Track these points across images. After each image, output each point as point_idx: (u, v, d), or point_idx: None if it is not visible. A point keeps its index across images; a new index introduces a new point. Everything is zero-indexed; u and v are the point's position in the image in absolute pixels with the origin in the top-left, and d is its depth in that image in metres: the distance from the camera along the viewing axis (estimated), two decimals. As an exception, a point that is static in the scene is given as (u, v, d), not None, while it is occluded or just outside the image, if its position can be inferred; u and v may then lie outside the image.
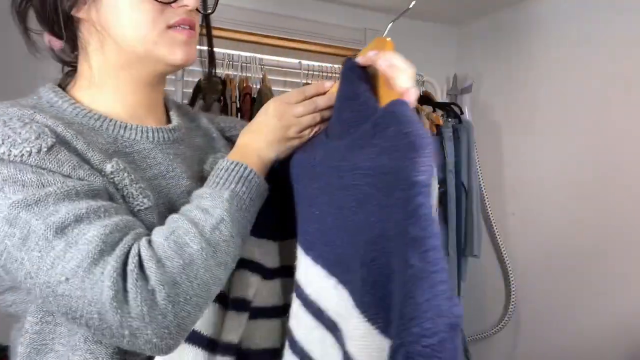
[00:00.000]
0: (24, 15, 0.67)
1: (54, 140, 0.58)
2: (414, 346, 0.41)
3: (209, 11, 0.72)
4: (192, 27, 0.67)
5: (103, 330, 0.53)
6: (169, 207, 0.66)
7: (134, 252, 0.54)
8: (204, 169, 0.74)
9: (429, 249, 0.44)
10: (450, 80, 2.26)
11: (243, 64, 1.68)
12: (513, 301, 2.02)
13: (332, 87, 0.71)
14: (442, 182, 1.85)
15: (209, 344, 0.65)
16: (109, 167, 0.62)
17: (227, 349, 0.66)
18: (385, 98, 0.55)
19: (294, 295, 0.65)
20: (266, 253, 0.72)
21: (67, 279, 0.52)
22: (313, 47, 2.08)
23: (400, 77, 0.57)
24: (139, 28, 0.64)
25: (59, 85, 0.70)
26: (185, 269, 0.54)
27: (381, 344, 0.46)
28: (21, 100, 0.65)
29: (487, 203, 2.08)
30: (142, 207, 0.63)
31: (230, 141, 0.80)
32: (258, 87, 1.68)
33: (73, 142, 0.61)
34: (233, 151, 0.69)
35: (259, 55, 1.71)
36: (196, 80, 1.64)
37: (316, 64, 1.81)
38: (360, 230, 0.51)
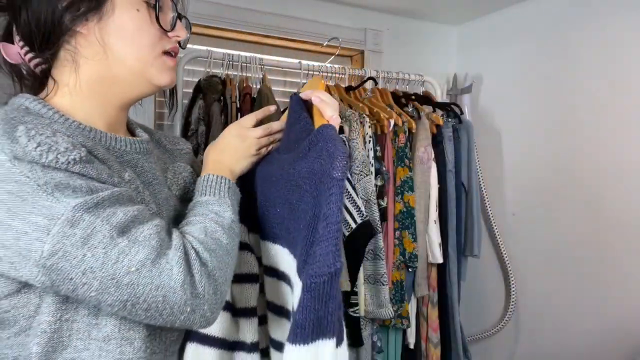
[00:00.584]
0: None
1: (85, 149, 0.64)
2: (307, 281, 0.60)
3: (184, 47, 0.81)
4: (176, 55, 0.77)
5: (162, 311, 0.63)
6: (156, 210, 0.74)
7: (189, 245, 0.66)
8: (167, 176, 0.84)
9: (330, 223, 0.62)
10: (450, 80, 2.26)
11: (243, 64, 1.68)
12: (513, 301, 2.02)
13: (276, 111, 0.92)
14: (442, 182, 1.85)
15: (222, 343, 0.82)
16: (127, 176, 0.71)
17: (243, 346, 0.83)
18: (318, 123, 0.75)
19: (269, 279, 0.85)
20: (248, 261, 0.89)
21: (136, 270, 0.60)
22: (313, 47, 2.08)
23: (326, 109, 0.77)
24: (140, 49, 0.72)
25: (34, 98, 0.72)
26: (224, 257, 0.69)
27: None
28: (7, 107, 0.67)
29: (487, 203, 2.08)
30: (151, 212, 0.71)
31: (171, 153, 0.91)
32: (258, 87, 1.68)
33: (94, 152, 0.68)
34: (209, 166, 0.83)
35: (259, 55, 1.71)
36: (196, 80, 1.64)
37: (316, 64, 1.81)
38: (301, 217, 0.71)
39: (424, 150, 1.77)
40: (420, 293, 1.80)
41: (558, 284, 1.88)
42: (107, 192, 0.62)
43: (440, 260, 1.81)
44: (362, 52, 2.17)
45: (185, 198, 0.84)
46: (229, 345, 0.82)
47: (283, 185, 0.78)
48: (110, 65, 0.72)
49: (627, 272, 1.67)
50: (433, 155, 1.81)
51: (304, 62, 1.79)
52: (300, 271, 0.67)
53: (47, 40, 0.69)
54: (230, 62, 1.64)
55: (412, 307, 1.82)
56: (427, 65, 2.24)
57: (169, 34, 0.74)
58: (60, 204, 0.58)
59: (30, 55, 0.71)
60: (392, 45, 2.21)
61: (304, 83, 1.78)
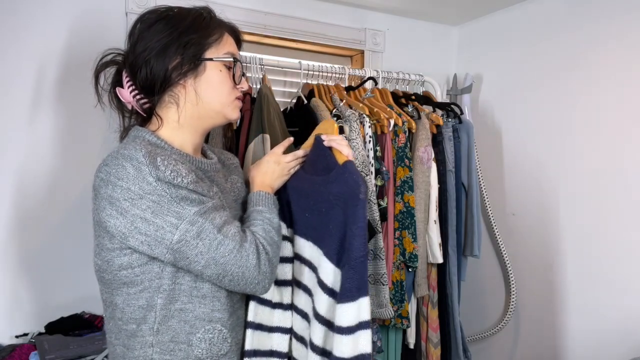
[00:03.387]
0: (98, 77, 1.06)
1: (194, 174, 0.98)
2: (351, 262, 0.95)
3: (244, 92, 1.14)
4: (242, 101, 1.11)
5: (239, 281, 0.98)
6: (229, 209, 1.07)
7: (257, 241, 1.01)
8: (227, 186, 1.15)
9: (359, 225, 0.96)
10: (450, 80, 2.26)
11: (243, 64, 1.68)
12: (513, 301, 2.02)
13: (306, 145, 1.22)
14: (442, 182, 1.85)
15: (258, 326, 1.15)
16: (214, 189, 1.05)
17: (282, 306, 1.17)
18: (341, 159, 1.07)
19: (297, 262, 1.17)
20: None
21: (228, 254, 0.96)
22: (313, 47, 2.08)
23: (344, 149, 1.08)
24: (222, 96, 1.06)
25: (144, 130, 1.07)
26: (276, 249, 1.05)
27: (334, 270, 1.01)
28: (139, 140, 1.00)
29: (487, 203, 2.08)
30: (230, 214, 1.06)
31: (227, 168, 1.22)
32: (258, 87, 1.68)
33: (196, 173, 1.01)
34: (257, 185, 1.16)
35: (259, 55, 1.71)
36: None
37: (316, 64, 1.81)
38: (330, 221, 1.03)
39: (424, 150, 1.76)
40: (420, 293, 1.80)
41: (558, 284, 1.89)
42: (210, 203, 0.97)
43: (441, 260, 1.80)
44: (362, 52, 2.17)
45: (240, 202, 1.17)
46: (273, 304, 1.16)
47: (315, 198, 1.09)
48: (201, 106, 1.05)
49: (627, 272, 1.67)
50: (433, 155, 1.81)
51: (304, 62, 1.79)
52: (333, 256, 1.01)
53: (159, 89, 1.02)
54: (230, 62, 1.64)
55: (412, 307, 1.82)
56: (427, 65, 2.24)
57: (237, 86, 1.08)
58: (184, 210, 0.93)
59: (139, 97, 1.04)
60: (392, 45, 2.21)
61: (304, 83, 1.78)
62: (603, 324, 1.74)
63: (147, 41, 1.01)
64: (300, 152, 1.22)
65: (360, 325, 0.94)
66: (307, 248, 1.12)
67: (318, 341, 1.02)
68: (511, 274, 2.03)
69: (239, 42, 1.14)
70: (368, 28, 2.15)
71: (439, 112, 1.97)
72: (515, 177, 2.07)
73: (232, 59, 1.07)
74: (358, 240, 0.96)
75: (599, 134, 1.75)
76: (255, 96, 1.65)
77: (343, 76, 1.83)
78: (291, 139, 1.27)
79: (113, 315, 1.01)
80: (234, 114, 1.09)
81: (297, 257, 1.17)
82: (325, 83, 1.81)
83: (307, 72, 1.77)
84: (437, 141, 1.86)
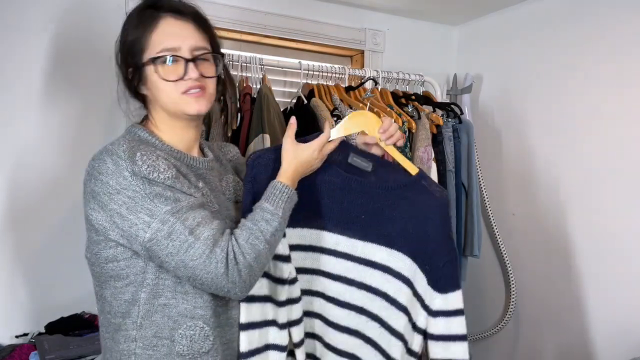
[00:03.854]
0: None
1: (175, 170, 0.97)
2: (452, 259, 1.12)
3: (214, 75, 1.06)
4: (201, 88, 1.02)
5: (210, 285, 0.95)
6: (218, 209, 1.05)
7: (230, 248, 0.95)
8: (222, 185, 1.14)
9: (450, 227, 1.16)
10: (450, 80, 2.26)
11: (243, 64, 1.68)
12: (513, 301, 2.02)
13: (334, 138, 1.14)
14: (442, 182, 1.85)
15: (265, 299, 1.12)
16: (200, 185, 1.03)
17: (280, 303, 1.13)
18: (406, 165, 1.16)
19: (351, 263, 1.17)
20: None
21: (197, 258, 0.92)
22: (313, 47, 2.08)
23: (407, 163, 1.16)
24: (168, 95, 1.02)
25: (140, 124, 1.08)
26: (255, 259, 0.97)
27: (422, 275, 1.13)
28: (129, 136, 1.02)
29: (487, 203, 2.08)
30: (213, 210, 1.03)
31: (224, 166, 1.20)
32: (258, 87, 1.68)
33: (180, 169, 1.00)
34: (285, 172, 1.08)
35: (259, 55, 1.71)
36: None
37: (316, 64, 1.81)
38: (409, 228, 1.13)
39: (424, 150, 1.76)
40: (421, 293, 1.80)
41: (558, 284, 1.88)
42: (185, 202, 0.94)
43: (440, 260, 1.80)
44: (362, 52, 2.17)
45: (235, 201, 1.14)
46: (268, 299, 1.13)
47: (379, 202, 1.14)
48: (161, 106, 1.04)
49: (627, 272, 1.67)
50: (433, 155, 1.80)
51: (304, 62, 1.79)
52: (421, 257, 1.12)
53: (134, 93, 1.06)
54: (230, 62, 1.64)
55: (412, 307, 1.82)
56: (427, 65, 2.24)
57: (184, 77, 1.00)
58: (157, 208, 0.92)
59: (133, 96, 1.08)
60: (392, 45, 2.21)
61: (305, 83, 1.78)
62: (603, 324, 1.74)
63: (116, 48, 1.05)
64: (331, 145, 1.13)
65: (462, 310, 1.13)
66: (378, 252, 1.14)
67: (416, 347, 1.14)
68: (511, 274, 2.03)
69: (195, 16, 1.05)
70: (368, 28, 2.15)
71: (439, 112, 1.97)
72: (515, 177, 2.07)
73: (155, 59, 1.00)
74: (452, 241, 1.15)
75: (599, 134, 1.75)
76: (255, 96, 1.65)
77: (343, 76, 1.83)
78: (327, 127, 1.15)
79: (103, 308, 1.03)
80: (189, 108, 1.02)
81: (352, 259, 1.16)
82: (325, 83, 1.81)
83: (307, 72, 1.77)
84: (437, 141, 1.86)
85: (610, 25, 1.72)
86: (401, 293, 1.14)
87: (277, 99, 1.67)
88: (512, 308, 2.02)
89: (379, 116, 1.18)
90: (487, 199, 2.08)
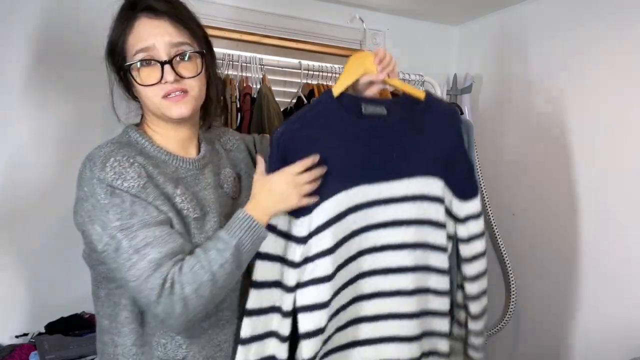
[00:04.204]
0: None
1: (146, 178, 0.94)
2: (471, 170, 1.29)
3: (195, 74, 1.00)
4: (182, 91, 0.98)
5: (147, 311, 0.95)
6: (207, 209, 1.03)
7: (169, 275, 0.89)
8: (220, 178, 1.11)
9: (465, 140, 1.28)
10: (450, 80, 2.26)
11: (243, 64, 1.68)
12: (513, 301, 2.01)
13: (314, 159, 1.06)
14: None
15: (277, 258, 1.08)
16: (178, 192, 0.99)
17: (288, 288, 1.08)
18: (412, 91, 1.20)
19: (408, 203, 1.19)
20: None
21: (135, 279, 0.88)
22: (313, 47, 2.08)
23: (406, 86, 1.19)
24: (149, 99, 0.99)
25: (137, 125, 1.07)
26: (195, 291, 0.89)
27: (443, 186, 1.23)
28: (120, 138, 1.02)
29: (487, 203, 2.08)
30: (195, 216, 1.00)
31: (223, 157, 1.16)
32: (258, 87, 1.68)
33: (155, 176, 0.97)
34: (251, 202, 1.01)
35: (259, 55, 1.71)
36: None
37: (316, 64, 1.81)
38: (428, 150, 1.20)
39: (424, 150, 1.76)
40: (421, 293, 1.80)
41: (558, 283, 1.88)
42: (140, 217, 0.90)
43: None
44: (362, 52, 2.17)
45: (234, 196, 1.12)
46: (277, 285, 1.09)
47: (400, 136, 1.15)
48: (147, 108, 1.03)
49: (627, 272, 1.67)
50: (433, 155, 1.80)
51: (304, 62, 1.79)
52: (446, 172, 1.20)
53: (128, 95, 1.05)
54: (230, 62, 1.64)
55: (412, 307, 1.82)
56: (427, 65, 2.24)
57: (162, 81, 0.96)
58: (109, 220, 0.90)
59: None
60: (392, 45, 2.21)
61: (305, 83, 1.78)
62: (603, 324, 1.74)
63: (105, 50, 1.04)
64: (318, 171, 1.06)
65: (480, 213, 1.25)
66: (415, 185, 1.17)
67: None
68: (511, 274, 2.03)
69: (172, 12, 0.99)
70: (368, 28, 2.15)
71: (439, 112, 1.96)
72: (515, 177, 2.07)
73: (136, 62, 0.97)
74: (465, 149, 1.26)
75: (599, 134, 1.75)
76: (255, 96, 1.65)
77: (343, 76, 1.83)
78: (316, 158, 1.07)
79: (97, 309, 1.04)
80: (171, 112, 0.98)
81: (409, 198, 1.18)
82: (325, 83, 1.81)
83: (307, 72, 1.78)
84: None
85: (610, 26, 1.71)
86: (440, 213, 1.22)
87: (277, 99, 1.67)
88: (512, 308, 2.02)
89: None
90: (487, 199, 2.08)
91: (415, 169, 1.18)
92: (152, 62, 0.96)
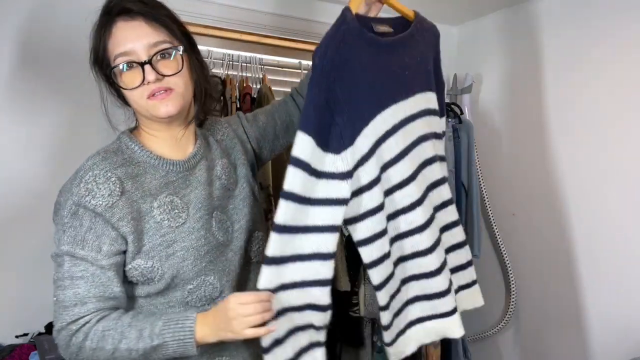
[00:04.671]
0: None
1: (118, 196, 0.96)
2: (441, 84, 1.31)
3: (177, 71, 0.99)
4: (166, 89, 0.98)
5: (53, 326, 0.98)
6: (197, 207, 1.03)
7: (83, 320, 0.93)
8: (215, 172, 1.10)
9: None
10: (450, 80, 2.26)
11: (243, 64, 1.68)
12: (513, 301, 2.02)
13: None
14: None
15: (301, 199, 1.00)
16: (156, 204, 0.99)
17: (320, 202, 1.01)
18: (402, 11, 1.22)
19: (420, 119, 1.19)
20: None
21: (56, 302, 0.97)
22: (313, 47, 2.08)
23: (405, 9, 1.20)
24: (135, 101, 1.00)
25: (131, 131, 1.07)
26: (93, 351, 0.94)
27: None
28: (113, 144, 1.03)
29: (487, 203, 2.08)
30: (179, 224, 1.01)
31: (216, 148, 1.14)
32: (258, 87, 1.68)
33: (132, 191, 0.98)
34: (207, 315, 0.95)
35: (259, 55, 1.71)
36: (196, 80, 1.64)
37: (316, 64, 1.80)
38: (427, 65, 1.23)
39: (424, 150, 1.76)
40: (421, 293, 1.80)
41: (558, 283, 1.88)
42: (85, 250, 0.94)
43: (440, 260, 1.80)
44: (362, 52, 2.17)
45: (230, 187, 1.11)
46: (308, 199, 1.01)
47: (409, 52, 1.16)
48: (137, 112, 1.04)
49: (627, 272, 1.67)
50: (433, 155, 1.81)
51: (304, 62, 1.79)
52: (433, 87, 1.22)
53: (126, 103, 1.04)
54: (230, 62, 1.65)
55: (412, 307, 1.82)
56: (427, 65, 2.23)
57: (144, 82, 0.96)
58: (62, 240, 0.97)
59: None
60: (392, 45, 2.21)
61: (304, 83, 1.78)
62: (603, 324, 1.74)
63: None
64: (263, 295, 0.95)
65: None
66: (423, 101, 1.18)
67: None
68: (511, 274, 2.03)
69: (126, 12, 0.97)
70: (368, 28, 2.14)
71: (439, 112, 1.96)
72: (515, 177, 2.07)
73: (116, 66, 0.97)
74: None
75: (599, 134, 1.75)
76: (255, 96, 1.65)
77: (343, 76, 1.83)
78: (272, 296, 0.97)
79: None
80: (158, 112, 0.99)
81: (423, 113, 1.18)
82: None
83: (307, 72, 1.77)
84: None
85: (610, 26, 1.71)
86: (442, 125, 1.28)
87: (277, 99, 1.67)
88: (512, 308, 2.02)
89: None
90: (487, 199, 2.08)
91: (420, 85, 1.19)
92: (134, 64, 0.96)
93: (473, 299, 1.39)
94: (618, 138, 1.69)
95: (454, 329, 1.24)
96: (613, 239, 1.70)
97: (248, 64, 1.67)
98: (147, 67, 0.96)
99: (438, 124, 1.25)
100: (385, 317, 1.12)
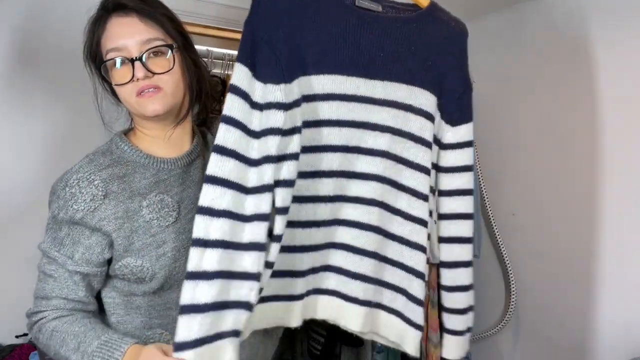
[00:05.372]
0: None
1: (101, 200, 0.96)
2: (467, 91, 1.24)
3: (167, 70, 0.99)
4: (155, 87, 0.98)
5: None
6: (190, 207, 1.04)
7: (42, 314, 0.98)
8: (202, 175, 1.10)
9: (466, 58, 1.26)
10: (450, 80, 2.26)
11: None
12: (513, 301, 2.02)
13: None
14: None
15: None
16: (145, 203, 1.00)
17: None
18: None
19: (388, 108, 1.10)
20: None
21: (34, 290, 1.01)
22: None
23: None
24: (124, 99, 1.00)
25: (126, 132, 1.08)
26: (44, 346, 0.97)
27: (436, 101, 1.15)
28: (104, 145, 1.04)
29: (487, 203, 2.08)
30: (169, 223, 1.01)
31: (207, 147, 1.14)
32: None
33: (118, 192, 0.98)
34: (136, 351, 0.91)
35: (259, 55, 1.71)
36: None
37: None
38: (427, 61, 1.12)
39: (424, 150, 1.76)
40: (421, 293, 1.80)
41: (558, 284, 1.88)
42: (62, 251, 0.97)
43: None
44: (362, 52, 2.16)
45: None
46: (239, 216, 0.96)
47: (391, 36, 1.06)
48: (129, 110, 1.05)
49: (627, 272, 1.67)
50: (433, 155, 1.80)
51: (304, 62, 1.78)
52: (439, 90, 1.12)
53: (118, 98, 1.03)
54: (230, 62, 1.64)
55: (412, 307, 1.81)
56: (427, 65, 2.23)
57: (133, 79, 0.96)
58: (46, 236, 1.00)
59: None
60: (392, 45, 2.21)
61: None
62: (603, 324, 1.74)
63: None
64: None
65: (470, 142, 1.16)
66: (398, 91, 1.07)
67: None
68: (511, 274, 2.03)
69: (121, 8, 0.98)
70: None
71: (439, 112, 1.96)
72: (515, 177, 2.07)
73: (108, 60, 0.97)
74: (467, 72, 1.18)
75: (599, 134, 1.75)
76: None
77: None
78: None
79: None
80: (145, 109, 0.98)
81: (388, 103, 1.07)
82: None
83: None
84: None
85: (611, 27, 1.71)
86: (426, 130, 1.10)
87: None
88: (512, 308, 2.02)
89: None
90: (487, 199, 2.08)
91: (402, 75, 1.08)
92: (125, 60, 0.96)
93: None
94: (621, 138, 1.69)
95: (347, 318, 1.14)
96: (613, 238, 1.70)
97: (248, 64, 1.67)
98: (137, 63, 0.95)
99: (422, 127, 1.10)
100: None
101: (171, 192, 1.03)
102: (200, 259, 0.88)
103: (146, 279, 0.99)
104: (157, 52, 0.98)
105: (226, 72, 1.66)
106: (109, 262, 1.00)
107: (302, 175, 1.05)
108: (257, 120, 0.97)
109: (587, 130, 1.79)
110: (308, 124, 1.03)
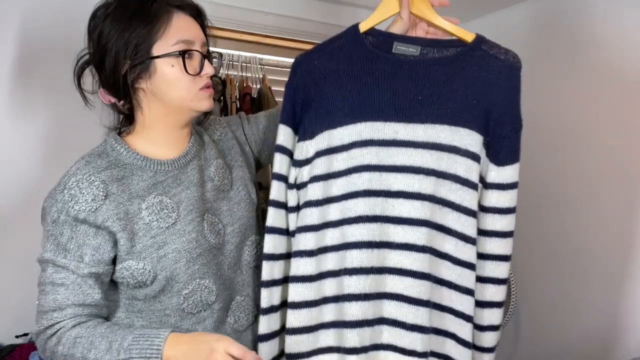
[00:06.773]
0: (80, 79, 1.03)
1: (102, 201, 0.95)
2: (515, 129, 1.16)
3: (215, 74, 1.03)
4: (210, 87, 1.01)
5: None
6: (189, 209, 1.02)
7: (58, 325, 0.94)
8: (209, 173, 1.08)
9: (519, 94, 1.19)
10: (450, 80, 2.26)
11: (243, 64, 1.68)
12: (513, 301, 2.02)
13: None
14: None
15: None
16: (144, 205, 0.98)
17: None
18: (460, 34, 1.12)
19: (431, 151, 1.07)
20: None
21: (38, 306, 0.96)
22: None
23: (462, 32, 1.11)
24: (181, 91, 0.98)
25: (120, 131, 1.05)
26: (64, 357, 0.92)
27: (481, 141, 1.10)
28: (99, 147, 1.02)
29: (487, 203, 2.08)
30: (169, 224, 0.99)
31: (212, 147, 1.12)
32: (258, 87, 1.68)
33: (118, 194, 0.97)
34: (179, 338, 0.90)
35: (259, 55, 1.71)
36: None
37: (316, 64, 1.81)
38: (473, 99, 1.08)
39: (424, 150, 1.76)
40: (421, 293, 1.80)
41: (558, 284, 1.88)
42: (67, 258, 0.94)
43: (441, 260, 1.80)
44: (362, 52, 2.17)
45: (225, 189, 1.09)
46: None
47: (430, 78, 1.04)
48: (164, 104, 0.99)
49: (627, 272, 1.67)
50: (433, 155, 1.80)
51: (304, 62, 1.79)
52: (485, 128, 1.07)
53: (122, 93, 0.98)
54: (230, 62, 1.65)
55: (412, 307, 1.81)
56: (427, 65, 2.23)
57: (202, 73, 0.98)
58: (46, 246, 0.95)
59: (113, 99, 1.01)
60: (392, 45, 2.21)
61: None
62: (603, 324, 1.74)
63: (97, 43, 0.97)
64: (249, 356, 0.87)
65: (516, 184, 1.11)
66: (441, 133, 1.03)
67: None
68: (511, 274, 2.03)
69: (199, 14, 1.03)
70: (368, 28, 2.15)
71: (439, 112, 1.96)
72: (515, 177, 2.07)
73: (178, 53, 0.96)
74: (518, 108, 1.15)
75: (599, 134, 1.75)
76: (255, 96, 1.65)
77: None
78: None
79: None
80: (202, 106, 1.01)
81: (431, 146, 1.04)
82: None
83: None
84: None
85: (611, 27, 1.71)
86: (472, 171, 1.05)
87: (277, 99, 1.67)
88: (512, 308, 2.02)
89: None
90: (487, 199, 2.08)
91: (445, 116, 1.04)
92: (195, 53, 0.99)
93: None
94: (619, 137, 1.69)
95: None
96: (613, 238, 1.70)
97: (248, 64, 1.68)
98: (206, 61, 1.00)
99: (468, 168, 1.05)
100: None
101: (170, 194, 1.02)
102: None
103: (147, 282, 0.98)
104: (210, 56, 1.04)
105: (226, 72, 1.66)
106: (114, 261, 0.99)
107: (346, 221, 1.05)
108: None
109: (589, 130, 1.78)
110: (349, 171, 1.05)
